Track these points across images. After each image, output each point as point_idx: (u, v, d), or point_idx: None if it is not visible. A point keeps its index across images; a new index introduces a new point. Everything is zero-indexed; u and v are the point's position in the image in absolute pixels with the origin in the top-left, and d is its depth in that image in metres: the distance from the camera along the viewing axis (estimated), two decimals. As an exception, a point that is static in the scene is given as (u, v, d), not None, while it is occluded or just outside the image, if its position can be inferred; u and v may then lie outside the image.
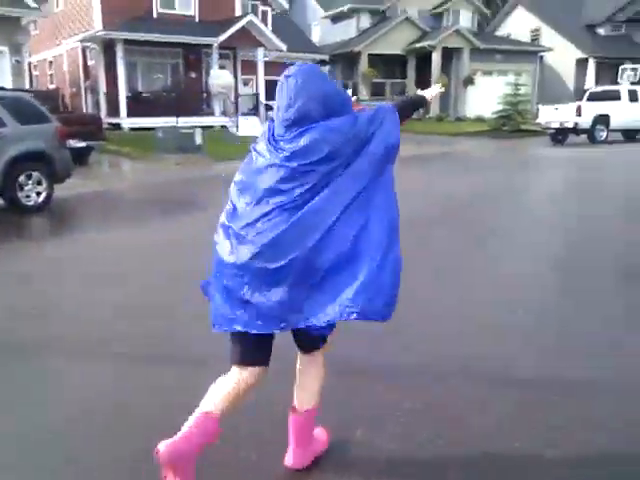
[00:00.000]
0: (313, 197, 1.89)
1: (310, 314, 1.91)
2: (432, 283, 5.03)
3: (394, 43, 32.84)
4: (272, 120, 2.07)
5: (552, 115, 21.32)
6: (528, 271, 5.38)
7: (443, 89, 2.57)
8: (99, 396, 3.05)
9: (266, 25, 26.82)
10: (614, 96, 21.34)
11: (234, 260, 1.93)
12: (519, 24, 41.97)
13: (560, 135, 21.62)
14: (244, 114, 24.58)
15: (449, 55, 33.21)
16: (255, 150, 2.05)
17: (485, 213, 8.54)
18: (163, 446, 1.93)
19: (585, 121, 20.30)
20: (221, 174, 10.44)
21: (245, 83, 27.85)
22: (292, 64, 2.12)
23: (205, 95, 24.94)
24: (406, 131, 18.15)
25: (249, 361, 2.07)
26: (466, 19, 36.05)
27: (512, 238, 6.76)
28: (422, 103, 2.44)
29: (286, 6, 31.42)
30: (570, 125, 20.51)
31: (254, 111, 25.18)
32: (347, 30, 35.26)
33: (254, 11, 26.91)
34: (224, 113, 24.45)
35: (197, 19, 24.88)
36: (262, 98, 25.35)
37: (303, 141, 1.91)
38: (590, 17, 41.83)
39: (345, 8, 34.55)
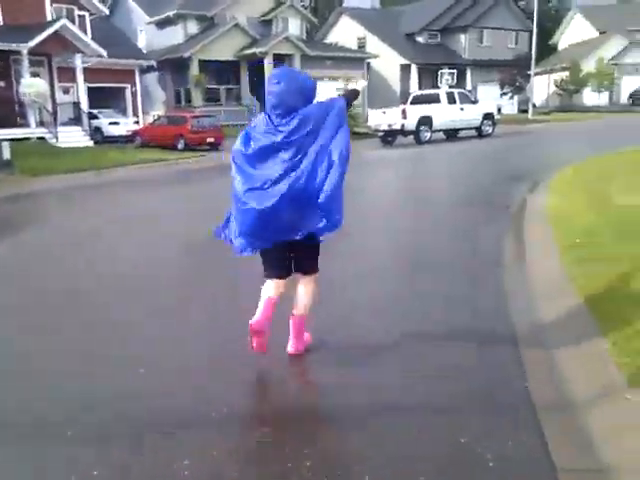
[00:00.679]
0: (303, 158, 3.00)
1: (309, 229, 3.09)
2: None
3: (225, 49, 32.35)
4: (266, 113, 3.11)
5: (381, 118, 22.20)
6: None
7: (366, 83, 3.40)
8: None
9: (84, 30, 24.92)
10: (435, 99, 22.75)
11: (264, 206, 2.99)
12: (346, 32, 43.74)
13: (389, 137, 22.59)
14: (64, 124, 22.54)
15: (281, 61, 33.43)
16: (254, 134, 3.10)
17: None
18: (253, 321, 3.20)
19: (410, 123, 21.37)
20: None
21: (65, 91, 25.61)
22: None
23: (18, 105, 22.45)
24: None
25: (277, 273, 3.32)
26: (295, 27, 36.64)
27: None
28: (356, 94, 3.63)
29: (106, 11, 29.48)
30: (397, 127, 21.48)
31: (75, 121, 23.20)
32: (174, 36, 34.09)
33: (69, 16, 24.82)
34: (41, 123, 22.21)
35: (1, 22, 22.39)
36: (85, 106, 23.46)
37: (294, 123, 2.99)
38: (409, 27, 44.85)
39: (171, 14, 33.38)
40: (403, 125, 21.36)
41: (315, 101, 3.14)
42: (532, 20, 39.32)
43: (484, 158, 16.31)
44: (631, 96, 45.13)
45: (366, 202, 9.38)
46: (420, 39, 44.34)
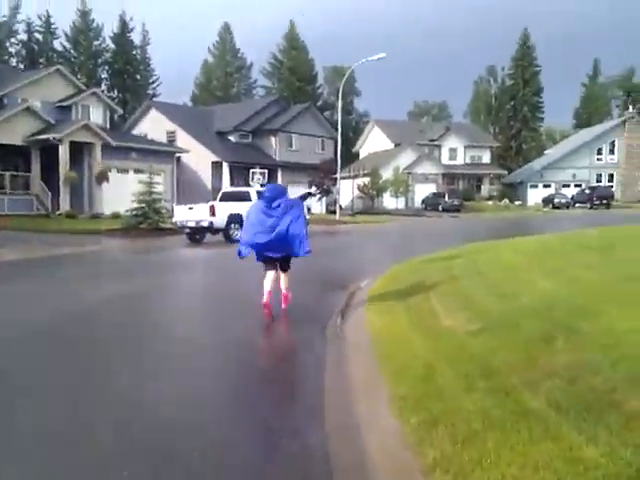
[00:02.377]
0: (280, 221, 6.77)
1: (286, 252, 6.98)
2: None
3: (13, 133, 28.79)
4: (260, 200, 7.19)
5: (187, 214, 20.58)
6: None
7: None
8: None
9: None
10: (245, 197, 21.84)
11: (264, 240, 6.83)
12: (155, 125, 42.41)
13: (197, 234, 20.99)
14: None
15: (80, 150, 30.72)
16: (253, 213, 7.11)
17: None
18: (264, 301, 6.79)
19: (220, 220, 20.04)
20: None
21: None
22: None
23: None
24: (34, 231, 14.74)
25: (270, 269, 7.10)
26: (97, 115, 34.37)
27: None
28: (308, 194, 15.45)
29: None
30: (206, 224, 19.99)
31: None
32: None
33: None
34: None
35: None
36: None
37: (280, 207, 6.85)
38: (220, 125, 45.04)
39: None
40: (212, 222, 19.94)
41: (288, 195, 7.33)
42: (336, 129, 41.96)
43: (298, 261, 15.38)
44: (423, 201, 49.68)
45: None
46: (232, 138, 44.61)
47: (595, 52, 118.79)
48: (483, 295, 6.74)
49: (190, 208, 20.73)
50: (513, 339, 4.79)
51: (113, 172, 33.08)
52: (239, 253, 7.12)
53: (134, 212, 25.21)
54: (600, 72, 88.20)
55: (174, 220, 21.31)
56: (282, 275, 7.19)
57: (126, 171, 33.51)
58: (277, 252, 6.85)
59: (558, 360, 4.15)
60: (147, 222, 24.85)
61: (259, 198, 6.98)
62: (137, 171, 31.40)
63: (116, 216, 28.95)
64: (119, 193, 29.96)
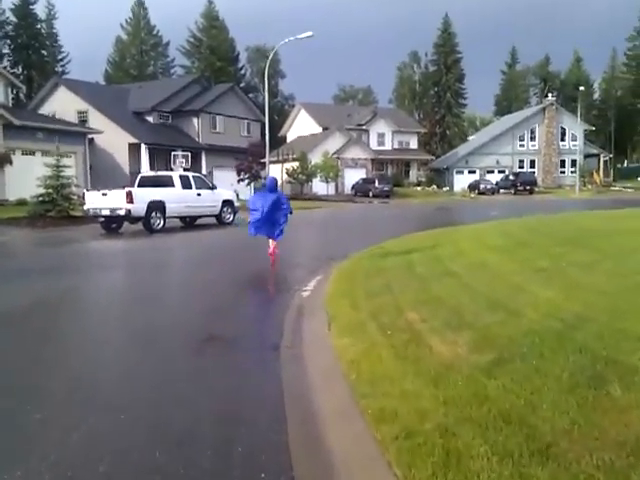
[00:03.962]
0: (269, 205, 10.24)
1: (267, 234, 10.53)
2: None
3: None
4: (260, 190, 13.65)
5: (101, 201, 18.33)
6: None
7: None
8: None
9: None
10: (168, 182, 19.85)
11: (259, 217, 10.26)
12: (65, 104, 38.88)
13: (113, 223, 18.81)
14: None
15: (-23, 128, 27.34)
16: (254, 198, 11.02)
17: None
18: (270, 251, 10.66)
19: (139, 208, 17.96)
20: None
21: None
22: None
23: None
24: None
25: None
26: (-2, 91, 30.79)
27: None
28: None
29: None
30: (122, 213, 17.85)
31: None
32: None
33: None
34: None
35: None
36: None
37: (274, 195, 10.47)
38: (136, 105, 42.01)
39: None
40: (129, 210, 17.82)
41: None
42: (263, 111, 40.06)
43: (226, 252, 13.76)
44: (353, 187, 48.79)
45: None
46: (150, 119, 41.71)
47: (513, 41, 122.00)
48: (472, 307, 5.45)
49: (104, 194, 18.49)
50: (545, 381, 3.50)
51: (17, 154, 29.79)
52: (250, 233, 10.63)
53: (40, 198, 22.56)
54: (518, 60, 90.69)
55: (85, 207, 18.97)
56: (271, 241, 10.59)
57: (32, 153, 30.28)
58: (263, 232, 10.42)
59: (634, 422, 2.88)
60: (56, 209, 22.31)
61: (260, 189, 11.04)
62: (45, 153, 28.29)
63: (22, 203, 25.99)
64: (25, 177, 26.82)
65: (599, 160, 62.62)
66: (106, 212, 18.28)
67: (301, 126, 58.02)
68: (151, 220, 18.34)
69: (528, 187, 52.10)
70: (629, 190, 53.60)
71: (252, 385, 4.36)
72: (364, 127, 56.34)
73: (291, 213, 10.67)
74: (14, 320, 6.54)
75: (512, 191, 52.39)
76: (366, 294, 6.72)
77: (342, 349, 4.74)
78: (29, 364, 4.87)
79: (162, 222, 18.68)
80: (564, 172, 61.12)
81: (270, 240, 10.44)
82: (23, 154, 30.08)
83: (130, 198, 17.78)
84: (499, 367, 3.82)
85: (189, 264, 11.72)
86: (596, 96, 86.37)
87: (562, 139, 60.85)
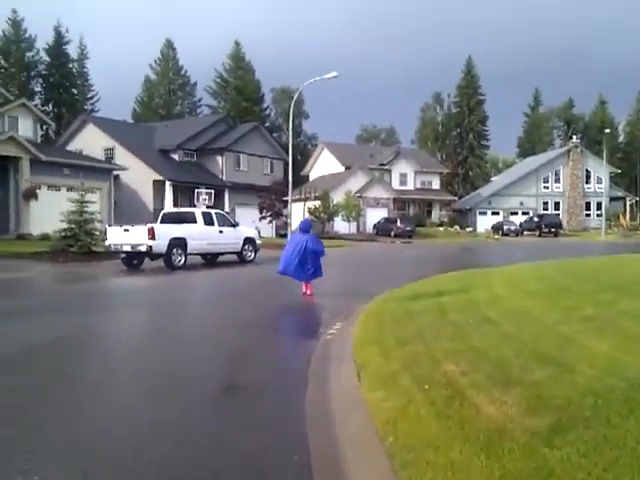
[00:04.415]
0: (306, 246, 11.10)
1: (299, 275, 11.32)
2: None
3: None
4: (300, 232, 11.94)
5: (123, 237, 18.22)
6: None
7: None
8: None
9: None
10: (190, 219, 19.73)
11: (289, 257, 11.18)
12: (92, 141, 39.61)
13: (134, 259, 18.65)
14: None
15: (5, 164, 27.77)
16: (294, 236, 12.94)
17: None
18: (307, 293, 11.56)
19: (160, 244, 17.78)
20: None
21: None
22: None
23: None
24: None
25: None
26: (26, 128, 31.38)
27: None
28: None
29: None
30: (144, 249, 17.69)
31: None
32: None
33: None
34: None
35: None
36: None
37: (307, 236, 11.35)
38: (163, 143, 42.60)
39: None
40: (151, 247, 17.65)
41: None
42: (285, 150, 40.29)
43: (247, 292, 13.40)
44: (375, 226, 48.48)
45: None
46: (175, 156, 42.21)
47: (536, 83, 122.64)
48: (517, 360, 4.96)
49: (126, 230, 18.39)
50: (619, 454, 3.01)
51: (43, 189, 30.25)
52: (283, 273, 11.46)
53: (63, 233, 22.59)
54: (541, 102, 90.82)
55: (107, 243, 18.86)
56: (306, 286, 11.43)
57: (58, 188, 30.70)
58: (290, 272, 11.15)
59: None
60: (77, 245, 22.26)
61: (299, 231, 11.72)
62: (70, 189, 28.66)
63: (45, 237, 26.16)
64: (49, 212, 27.05)
65: (625, 203, 61.59)
66: (127, 248, 18.14)
67: (324, 165, 58.29)
68: (172, 257, 18.13)
69: (553, 229, 51.25)
70: (656, 234, 52.38)
71: (274, 450, 3.89)
72: (386, 167, 56.37)
73: (323, 254, 11.25)
74: (18, 364, 6.20)
75: (537, 233, 51.58)
76: (396, 341, 6.25)
77: (375, 405, 4.27)
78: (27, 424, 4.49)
79: (183, 259, 18.46)
80: (589, 215, 60.15)
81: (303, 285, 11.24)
82: (49, 189, 30.50)
83: (152, 234, 17.63)
84: (560, 434, 3.33)
85: (210, 304, 11.35)
86: (620, 139, 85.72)
87: (587, 181, 60.11)
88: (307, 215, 42.05)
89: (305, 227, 11.55)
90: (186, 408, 4.63)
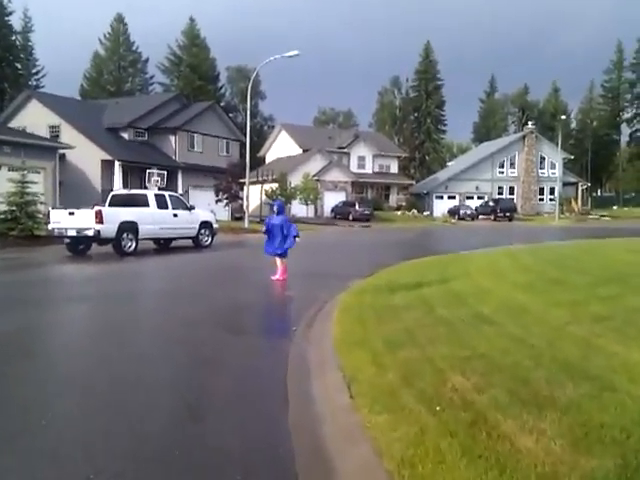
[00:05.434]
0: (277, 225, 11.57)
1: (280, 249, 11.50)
2: None
3: None
4: (271, 216, 12.07)
5: (67, 221, 16.80)
6: None
7: None
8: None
9: None
10: (142, 201, 18.42)
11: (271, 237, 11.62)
12: (36, 118, 37.18)
13: (80, 244, 17.27)
14: None
15: (-64, 140, 25.56)
16: (269, 218, 12.16)
17: None
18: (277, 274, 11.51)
19: (109, 229, 16.47)
20: None
21: None
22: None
23: None
24: None
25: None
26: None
27: None
28: None
29: None
30: (91, 233, 16.33)
31: None
32: None
33: None
34: None
35: None
36: None
37: (280, 217, 11.67)
38: (112, 121, 40.51)
39: None
40: (98, 231, 16.31)
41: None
42: (242, 131, 38.84)
43: (206, 281, 12.37)
44: (333, 210, 47.75)
45: None
46: (125, 135, 40.19)
47: (492, 70, 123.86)
48: (537, 371, 4.20)
49: (71, 213, 16.97)
50: None
51: (-19, 169, 28.08)
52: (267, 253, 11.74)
53: (2, 216, 20.92)
54: (497, 89, 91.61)
55: (50, 227, 17.40)
56: (279, 263, 11.42)
57: (-2, 167, 28.53)
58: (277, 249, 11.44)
59: None
60: (18, 228, 20.66)
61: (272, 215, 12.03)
62: (11, 169, 26.58)
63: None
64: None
65: (577, 189, 62.81)
66: (72, 232, 16.74)
67: (281, 147, 57.03)
68: (122, 242, 16.84)
69: (508, 214, 51.67)
70: (606, 218, 53.60)
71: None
72: (345, 150, 55.59)
73: (298, 237, 11.52)
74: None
75: (492, 217, 51.93)
76: (385, 344, 5.44)
77: (380, 435, 3.43)
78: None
79: (134, 244, 17.20)
80: (543, 199, 61.06)
81: (278, 261, 11.41)
82: (-11, 168, 28.31)
83: (100, 218, 16.29)
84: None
85: (165, 296, 10.26)
86: (572, 126, 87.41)
87: (541, 167, 60.91)
88: (264, 198, 40.96)
89: (280, 208, 11.85)
90: (138, 435, 3.68)
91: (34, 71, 65.52)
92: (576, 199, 60.38)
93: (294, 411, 4.11)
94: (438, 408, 3.69)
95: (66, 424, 3.98)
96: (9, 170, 26.90)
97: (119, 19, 70.85)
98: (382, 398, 3.99)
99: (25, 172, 21.35)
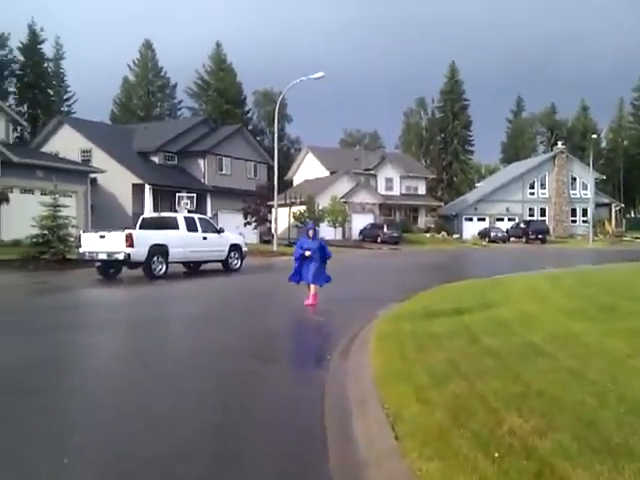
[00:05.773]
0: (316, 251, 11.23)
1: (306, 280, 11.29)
2: None
3: None
4: (305, 236, 11.71)
5: (98, 244, 16.83)
6: None
7: None
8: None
9: None
10: (172, 224, 18.40)
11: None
12: (68, 143, 37.95)
13: (110, 268, 17.26)
14: None
15: (-27, 166, 26.13)
16: (301, 242, 11.51)
17: None
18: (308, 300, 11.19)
19: (139, 252, 16.44)
20: None
21: None
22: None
23: None
24: None
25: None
26: (-1, 128, 29.76)
27: None
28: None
29: None
30: (121, 257, 16.32)
31: None
32: None
33: None
34: None
35: None
36: None
37: (317, 241, 11.46)
38: (141, 146, 41.12)
39: None
40: (129, 255, 16.29)
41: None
42: (270, 154, 38.99)
43: (236, 306, 12.14)
44: (361, 232, 47.39)
45: None
46: (155, 159, 40.72)
47: (519, 89, 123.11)
48: (604, 411, 3.80)
49: (102, 236, 17.02)
50: None
51: (15, 192, 28.54)
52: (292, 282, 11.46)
53: (34, 239, 21.13)
54: (524, 108, 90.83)
55: (81, 250, 17.46)
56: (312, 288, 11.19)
57: (31, 192, 29.00)
58: (305, 279, 11.16)
59: None
60: (50, 252, 20.82)
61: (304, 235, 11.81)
62: (44, 192, 27.02)
63: (16, 243, 24.55)
64: (21, 217, 25.43)
65: (610, 210, 61.35)
66: (103, 256, 16.75)
67: (308, 170, 57.14)
68: (152, 265, 16.79)
69: (540, 236, 50.58)
70: (641, 241, 52.11)
71: None
72: (372, 172, 55.38)
73: (329, 258, 11.50)
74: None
75: (523, 239, 50.91)
76: (429, 376, 5.08)
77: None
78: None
79: (164, 268, 17.13)
80: (575, 221, 59.74)
81: (312, 287, 11.11)
82: (22, 193, 28.82)
83: (130, 241, 16.29)
84: None
85: (195, 321, 10.02)
86: (603, 145, 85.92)
87: (572, 188, 59.73)
88: (292, 220, 40.92)
89: (316, 232, 11.80)
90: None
91: (65, 97, 67.09)
92: (610, 220, 58.96)
93: (335, 455, 3.78)
94: (496, 455, 3.33)
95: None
96: (42, 194, 27.38)
97: (147, 45, 72.41)
98: (432, 441, 3.64)
99: (57, 196, 21.57)
